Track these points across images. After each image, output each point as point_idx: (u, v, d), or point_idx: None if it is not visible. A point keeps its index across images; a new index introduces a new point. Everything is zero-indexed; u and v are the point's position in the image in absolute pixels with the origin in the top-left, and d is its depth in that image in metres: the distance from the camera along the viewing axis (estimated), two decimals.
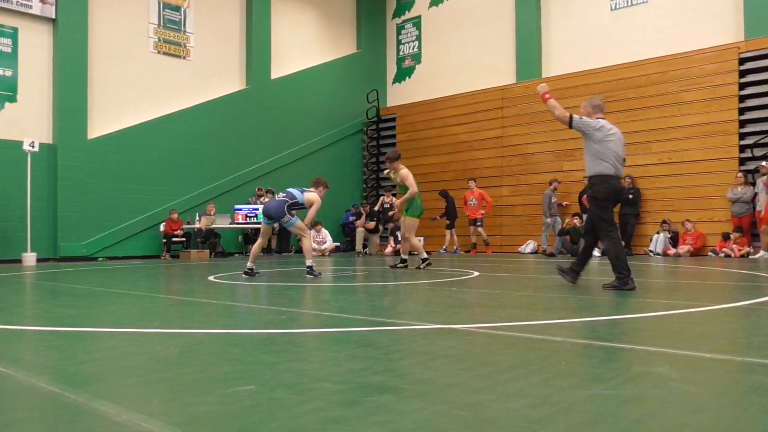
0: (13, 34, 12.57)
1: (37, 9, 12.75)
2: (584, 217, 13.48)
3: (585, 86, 14.62)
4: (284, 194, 7.83)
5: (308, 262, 7.68)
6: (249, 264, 7.94)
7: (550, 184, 14.16)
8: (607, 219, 5.66)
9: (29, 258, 11.89)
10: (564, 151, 14.93)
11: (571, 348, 2.92)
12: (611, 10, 14.69)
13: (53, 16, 12.94)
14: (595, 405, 1.96)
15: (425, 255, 9.33)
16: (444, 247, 15.64)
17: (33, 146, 11.98)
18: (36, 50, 12.89)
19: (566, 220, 13.63)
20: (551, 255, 13.40)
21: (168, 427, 1.76)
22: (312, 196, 7.85)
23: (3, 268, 10.51)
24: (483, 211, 14.76)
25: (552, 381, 2.26)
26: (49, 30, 13.10)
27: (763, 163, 11.75)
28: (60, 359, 2.84)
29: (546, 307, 4.64)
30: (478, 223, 14.82)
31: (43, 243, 12.65)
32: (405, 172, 9.10)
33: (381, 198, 16.54)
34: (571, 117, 5.67)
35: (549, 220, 13.80)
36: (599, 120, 5.75)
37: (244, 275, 7.81)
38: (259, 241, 8.14)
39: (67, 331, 3.65)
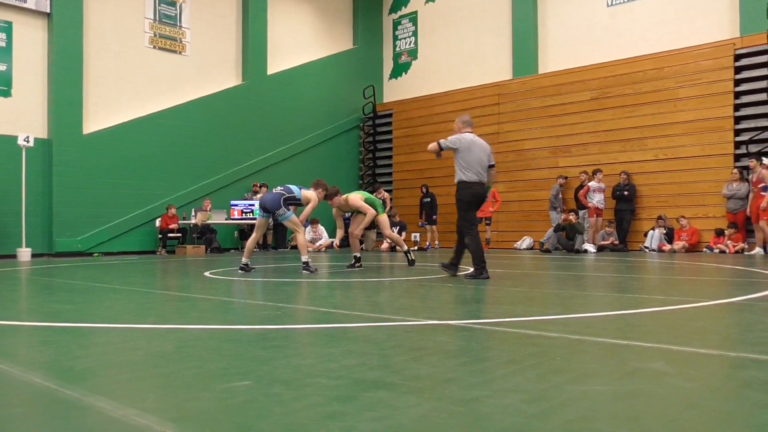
0: (8, 29, 12.51)
1: (31, 3, 12.69)
2: (580, 213, 13.52)
3: (581, 82, 14.64)
4: (282, 188, 7.83)
5: (303, 258, 7.66)
6: (244, 259, 7.91)
7: (557, 180, 14.33)
8: (469, 219, 6.54)
9: (24, 253, 11.85)
10: (560, 147, 14.95)
11: (567, 344, 2.93)
12: (608, 6, 14.69)
13: (48, 11, 12.88)
14: (591, 400, 1.97)
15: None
16: (428, 243, 15.64)
17: (28, 141, 11.93)
18: (31, 45, 12.83)
19: (562, 216, 13.66)
20: (547, 251, 13.43)
21: (164, 423, 1.76)
22: (309, 194, 7.84)
23: None
24: (492, 209, 14.72)
25: (547, 377, 2.27)
26: (44, 24, 13.04)
27: (753, 160, 11.81)
28: (55, 355, 2.84)
29: (542, 303, 4.65)
30: (487, 222, 14.80)
31: (38, 238, 12.62)
32: (354, 199, 8.52)
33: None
34: (438, 143, 6.66)
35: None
36: (464, 135, 6.60)
37: (239, 271, 7.78)
38: (253, 235, 8.08)
39: (62, 326, 3.64)
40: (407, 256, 8.97)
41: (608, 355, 2.67)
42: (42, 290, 6.17)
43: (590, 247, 12.97)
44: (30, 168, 12.32)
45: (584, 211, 13.60)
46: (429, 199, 15.81)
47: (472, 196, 6.43)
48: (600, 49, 14.68)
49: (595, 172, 13.62)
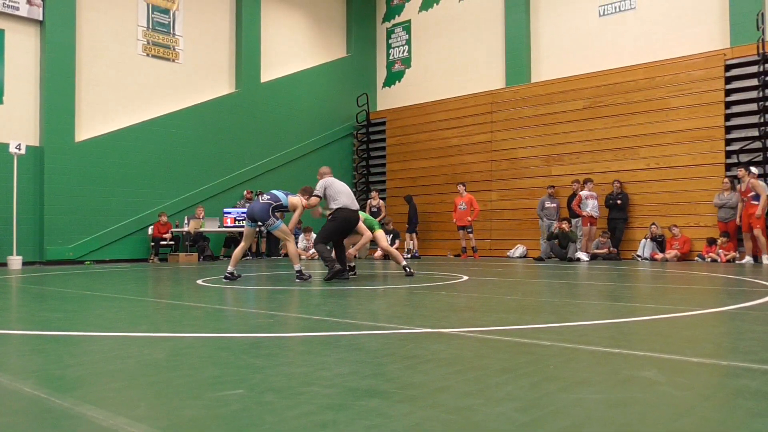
0: (0, 36, 12.47)
1: (24, 11, 12.66)
2: (573, 221, 13.55)
3: (574, 91, 14.72)
4: (268, 196, 7.72)
5: (296, 267, 7.60)
6: (230, 268, 7.79)
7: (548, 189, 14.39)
8: (327, 237, 7.67)
9: (15, 261, 11.77)
10: (553, 155, 15.01)
11: (560, 352, 2.93)
12: (600, 16, 14.81)
13: (41, 18, 12.86)
14: (583, 409, 1.97)
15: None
16: (413, 250, 15.63)
17: (19, 149, 11.88)
18: (23, 52, 12.80)
19: (554, 225, 13.69)
20: (540, 259, 13.46)
21: None
22: (295, 200, 7.78)
23: None
24: (470, 218, 14.76)
25: (540, 385, 2.27)
26: (37, 32, 13.01)
27: (741, 170, 11.90)
28: (45, 363, 2.81)
29: (535, 311, 4.66)
30: (469, 230, 14.83)
31: (29, 246, 12.54)
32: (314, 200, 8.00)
33: (368, 201, 16.55)
34: (317, 194, 7.74)
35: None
36: (326, 179, 7.78)
37: (224, 279, 7.68)
38: (242, 244, 7.94)
39: (52, 335, 3.62)
40: (405, 270, 8.42)
41: (601, 364, 2.67)
42: (33, 299, 6.13)
43: (583, 256, 13.01)
44: (21, 176, 12.26)
45: (577, 219, 13.64)
46: (411, 208, 16.02)
47: (345, 216, 7.56)
48: (592, 58, 14.78)
49: (586, 182, 13.67)
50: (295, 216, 7.92)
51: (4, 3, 12.37)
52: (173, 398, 2.19)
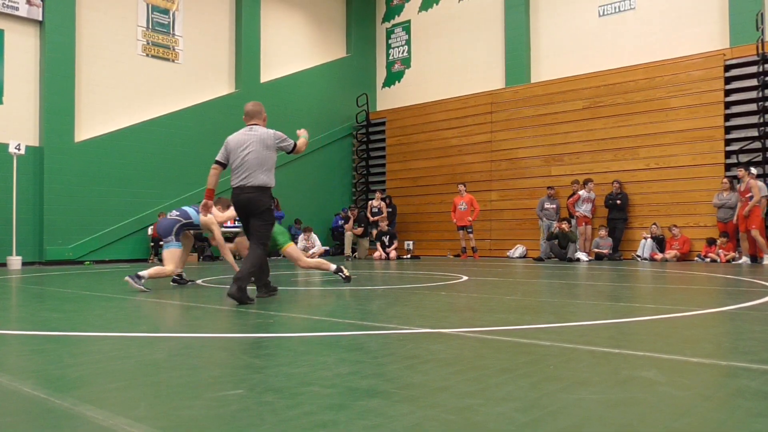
0: None
1: (23, 11, 12.65)
2: (572, 221, 13.56)
3: (573, 91, 14.72)
4: (178, 212, 7.21)
5: (144, 272, 6.56)
6: (144, 272, 6.67)
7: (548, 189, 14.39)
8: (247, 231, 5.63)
9: (14, 261, 11.77)
10: (553, 156, 15.01)
11: (560, 352, 2.93)
12: (599, 16, 14.81)
13: (40, 18, 12.85)
14: (583, 409, 1.97)
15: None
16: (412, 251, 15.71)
17: (19, 149, 11.88)
18: (22, 52, 12.79)
19: (554, 225, 13.69)
20: (540, 259, 13.46)
21: None
22: (206, 220, 7.21)
23: None
24: (470, 218, 14.78)
25: (540, 385, 2.27)
26: (36, 32, 13.01)
27: (741, 169, 11.90)
28: (45, 363, 2.81)
29: (534, 311, 4.66)
30: (469, 230, 14.84)
31: (29, 246, 12.53)
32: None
33: (370, 202, 16.55)
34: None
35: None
36: (230, 137, 5.99)
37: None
38: (179, 250, 7.15)
39: (52, 335, 3.62)
40: (340, 275, 7.39)
41: (601, 364, 2.67)
42: (32, 299, 6.13)
43: (582, 256, 13.01)
44: (21, 176, 12.26)
45: (576, 219, 13.65)
46: (391, 210, 16.10)
47: (236, 206, 5.53)
48: (592, 58, 14.79)
49: (586, 182, 13.68)
50: (217, 234, 7.32)
51: (3, 3, 12.37)
52: (173, 398, 2.19)
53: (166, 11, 14.93)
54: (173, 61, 15.05)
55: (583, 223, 13.57)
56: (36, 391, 2.25)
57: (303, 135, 6.10)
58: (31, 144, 12.68)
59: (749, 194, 11.58)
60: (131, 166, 14.03)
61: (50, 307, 5.17)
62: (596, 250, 13.37)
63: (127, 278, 6.42)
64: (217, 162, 5.64)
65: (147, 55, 14.57)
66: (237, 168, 5.46)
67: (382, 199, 16.61)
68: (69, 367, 2.73)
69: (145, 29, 14.56)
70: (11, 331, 3.78)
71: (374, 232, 15.74)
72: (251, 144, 5.45)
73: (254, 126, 5.59)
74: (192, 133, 15.02)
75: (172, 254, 6.96)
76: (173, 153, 14.72)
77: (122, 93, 14.14)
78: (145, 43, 14.55)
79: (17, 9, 12.57)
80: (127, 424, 1.83)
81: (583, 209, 13.55)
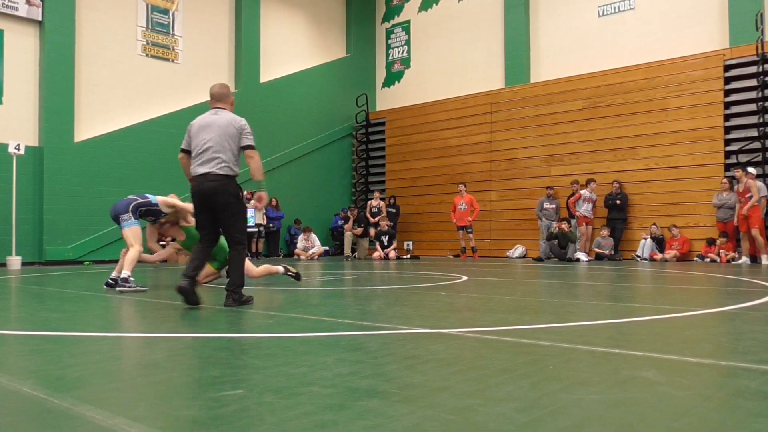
0: None
1: (23, 11, 12.65)
2: (572, 221, 13.56)
3: (573, 91, 14.73)
4: (134, 195, 6.79)
5: (124, 273, 6.29)
6: (123, 272, 6.34)
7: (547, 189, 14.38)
8: (198, 228, 5.13)
9: (14, 261, 11.76)
10: (552, 156, 15.01)
11: (559, 352, 2.93)
12: (599, 16, 14.81)
13: (40, 18, 12.84)
14: (583, 409, 1.97)
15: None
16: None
17: (18, 149, 11.87)
18: (22, 52, 12.79)
19: (554, 225, 13.69)
20: (539, 259, 13.47)
21: None
22: (165, 199, 6.83)
23: None
24: (470, 218, 14.78)
25: (540, 385, 2.27)
26: (36, 32, 13.00)
27: (739, 170, 11.90)
28: (45, 364, 2.81)
29: (534, 311, 4.66)
30: (469, 230, 14.85)
31: (29, 246, 12.53)
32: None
33: (369, 202, 16.56)
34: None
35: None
36: (194, 121, 5.20)
37: (104, 286, 6.66)
38: (136, 247, 6.59)
39: (52, 335, 3.61)
40: (289, 274, 7.24)
41: (600, 364, 2.67)
42: (32, 299, 6.12)
43: (582, 256, 13.01)
44: (21, 176, 12.25)
45: (576, 219, 13.65)
46: (394, 210, 16.16)
47: (197, 197, 4.90)
48: (591, 58, 14.79)
49: (588, 182, 13.68)
50: (184, 211, 6.73)
51: (3, 3, 12.36)
52: (172, 398, 2.19)
53: (165, 11, 14.93)
54: (173, 61, 15.04)
55: (584, 223, 13.57)
56: (35, 391, 2.25)
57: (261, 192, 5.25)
58: (30, 144, 12.67)
59: (748, 194, 11.59)
60: (131, 166, 14.02)
61: (50, 307, 5.17)
62: (597, 249, 13.36)
63: (118, 289, 6.11)
64: (183, 150, 5.08)
65: (147, 55, 14.56)
66: (199, 154, 4.88)
67: (381, 199, 16.62)
68: (68, 367, 2.73)
69: (144, 29, 14.55)
70: (11, 331, 3.78)
71: (373, 231, 15.76)
72: (215, 128, 4.90)
73: (219, 110, 5.06)
74: None
75: (134, 232, 6.46)
76: (173, 153, 14.54)
77: (122, 93, 14.13)
78: (145, 43, 14.55)
79: (17, 9, 12.56)
80: (127, 424, 1.83)
81: (584, 209, 13.55)
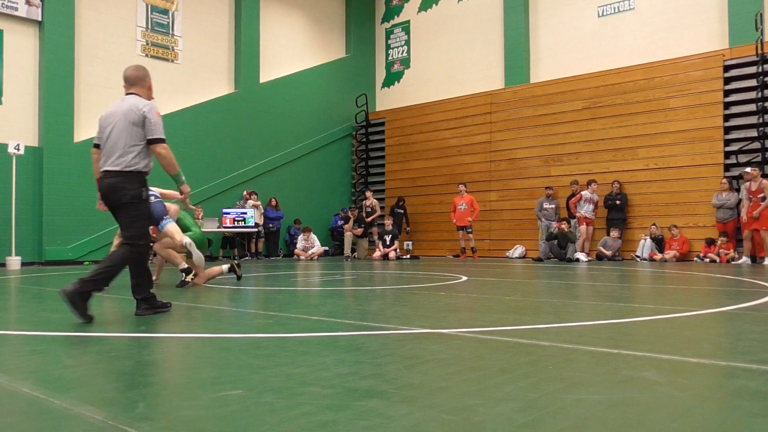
0: None
1: (23, 11, 12.64)
2: (572, 221, 13.56)
3: (573, 92, 14.73)
4: (152, 194, 6.65)
5: (182, 266, 6.62)
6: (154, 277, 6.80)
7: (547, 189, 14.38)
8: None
9: (14, 262, 11.75)
10: (552, 156, 15.01)
11: (559, 353, 2.93)
12: (599, 16, 14.81)
13: (39, 19, 12.84)
14: (583, 409, 1.97)
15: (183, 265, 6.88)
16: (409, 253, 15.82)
17: (18, 149, 11.87)
18: (22, 52, 12.79)
19: (554, 225, 13.69)
20: (539, 260, 13.47)
21: None
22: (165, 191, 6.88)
23: None
24: (470, 218, 14.79)
25: (540, 385, 2.27)
26: (35, 32, 12.99)
27: (747, 169, 11.87)
28: (44, 364, 2.81)
29: (534, 311, 4.66)
30: (469, 230, 14.86)
31: (28, 247, 12.52)
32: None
33: (363, 202, 16.56)
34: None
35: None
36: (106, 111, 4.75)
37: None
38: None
39: (51, 335, 3.61)
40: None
41: (600, 364, 2.67)
42: (32, 299, 6.12)
43: (582, 256, 13.01)
44: (20, 176, 12.25)
45: (576, 219, 13.65)
46: (402, 211, 16.18)
47: (101, 195, 4.53)
48: (591, 59, 14.79)
49: (589, 183, 13.66)
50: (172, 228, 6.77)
51: (3, 3, 12.35)
52: (172, 398, 2.19)
53: (165, 11, 14.93)
54: (173, 61, 15.04)
55: (584, 224, 13.56)
56: (35, 391, 2.25)
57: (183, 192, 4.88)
58: (30, 144, 12.67)
59: (761, 194, 11.46)
60: None
61: (49, 308, 5.17)
62: (602, 249, 13.26)
63: (189, 283, 6.40)
64: (94, 145, 4.63)
65: (146, 55, 14.56)
66: (103, 147, 4.41)
67: (378, 199, 16.63)
68: (68, 367, 2.73)
69: (144, 29, 14.55)
70: (11, 332, 3.78)
71: (375, 230, 15.77)
72: (116, 116, 4.37)
73: (129, 96, 4.50)
74: (191, 133, 15.02)
75: (175, 227, 6.67)
76: (173, 152, 14.70)
77: (121, 93, 14.05)
78: (145, 43, 14.55)
79: (16, 9, 12.56)
80: (127, 424, 1.83)
81: (585, 210, 13.53)
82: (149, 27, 14.63)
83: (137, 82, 4.57)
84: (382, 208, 17.83)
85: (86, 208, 13.29)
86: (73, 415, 1.96)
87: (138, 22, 14.47)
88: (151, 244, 6.91)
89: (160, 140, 4.36)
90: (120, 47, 14.13)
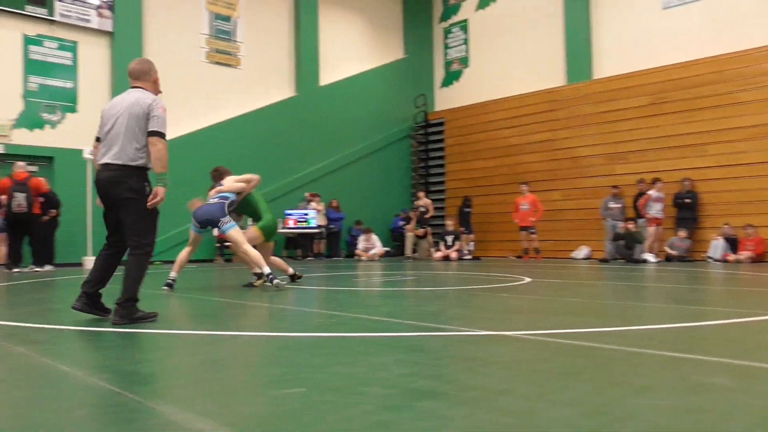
0: (73, 48, 13.09)
1: (95, 23, 13.25)
2: (639, 221, 13.13)
3: (637, 87, 14.28)
4: (218, 198, 6.77)
5: (266, 269, 6.45)
6: (172, 274, 6.86)
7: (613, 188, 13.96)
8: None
9: (89, 261, 12.31)
10: (616, 154, 14.59)
11: (626, 357, 2.85)
12: (663, 8, 14.30)
13: (110, 29, 13.42)
14: (651, 415, 1.91)
15: (265, 270, 6.58)
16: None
17: (93, 155, 12.44)
18: (95, 62, 13.38)
19: (620, 225, 13.29)
20: (605, 261, 13.10)
21: (220, 427, 1.80)
22: (234, 184, 6.94)
23: (66, 271, 10.92)
24: (533, 219, 14.54)
25: (605, 390, 2.21)
26: (107, 43, 13.59)
27: None
28: (118, 359, 2.93)
29: (599, 314, 4.54)
30: (532, 231, 14.62)
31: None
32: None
33: (415, 202, 16.50)
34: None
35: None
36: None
37: (164, 287, 6.71)
38: (188, 249, 7.14)
39: (125, 332, 3.77)
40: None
41: (669, 369, 2.58)
42: (105, 297, 6.38)
43: (650, 257, 12.58)
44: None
45: (644, 219, 13.20)
46: (470, 210, 15.98)
47: (97, 189, 4.36)
48: (656, 52, 14.29)
49: (654, 181, 13.20)
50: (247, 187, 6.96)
51: (77, 16, 13.00)
52: (237, 395, 2.24)
53: (227, 18, 15.33)
54: (235, 67, 15.43)
55: (655, 224, 13.07)
56: (110, 385, 2.35)
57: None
58: None
59: None
60: (196, 169, 14.42)
61: None
62: (669, 250, 12.81)
63: (275, 283, 6.29)
64: (96, 138, 4.48)
65: (210, 61, 15.00)
66: (104, 140, 4.26)
67: (439, 199, 16.54)
68: (139, 363, 2.84)
69: (208, 36, 14.99)
70: (87, 328, 3.96)
71: (426, 230, 15.72)
72: (120, 109, 4.21)
73: (134, 89, 4.36)
74: (253, 136, 15.35)
75: (238, 232, 6.57)
76: (236, 156, 15.04)
77: (187, 99, 14.59)
78: (208, 50, 14.98)
79: (89, 21, 13.18)
80: (195, 418, 1.89)
81: (655, 210, 13.04)
82: (213, 34, 15.06)
83: (141, 75, 4.45)
84: (442, 208, 17.75)
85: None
86: (144, 408, 2.03)
87: (202, 29, 14.91)
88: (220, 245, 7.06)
89: (160, 134, 4.15)
90: (185, 55, 14.60)
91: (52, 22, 12.83)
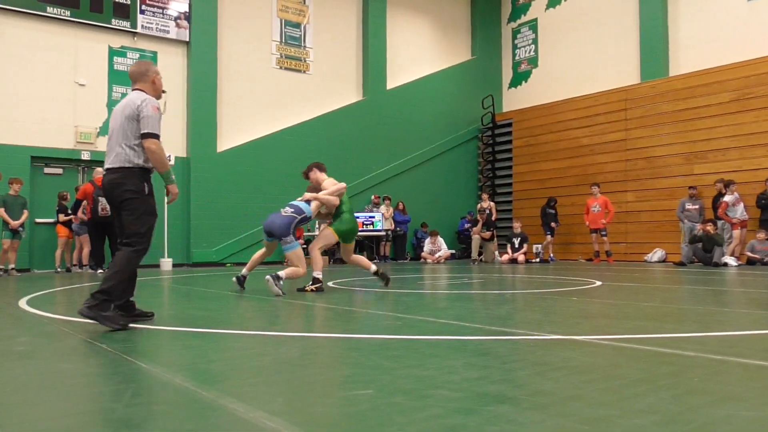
0: (153, 58, 13.68)
1: (173, 33, 13.83)
2: (718, 223, 12.53)
3: (719, 83, 13.64)
4: (291, 209, 6.73)
5: (282, 273, 6.46)
6: (244, 271, 7.14)
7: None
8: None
9: (166, 263, 12.85)
10: (695, 153, 13.99)
11: (706, 364, 2.72)
12: (748, 0, 13.61)
13: (187, 39, 13.96)
14: (733, 426, 1.81)
15: (318, 274, 6.83)
16: (551, 255, 15.28)
17: (170, 160, 12.95)
18: (172, 71, 13.94)
19: (697, 227, 12.72)
20: (681, 264, 12.57)
21: (291, 427, 1.83)
22: (328, 197, 6.87)
23: (144, 272, 11.41)
24: (604, 221, 14.14)
25: (683, 398, 2.12)
26: (184, 52, 14.14)
27: None
28: (193, 358, 3.04)
29: (676, 319, 4.36)
30: (603, 233, 14.22)
31: (178, 249, 13.61)
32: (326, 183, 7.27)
33: (479, 204, 16.30)
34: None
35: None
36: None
37: (234, 279, 7.08)
38: (263, 251, 7.18)
39: (199, 331, 3.90)
40: (381, 277, 7.30)
41: (754, 378, 2.45)
42: (182, 297, 6.64)
43: (731, 261, 11.97)
44: None
45: (724, 222, 12.57)
46: (554, 212, 15.51)
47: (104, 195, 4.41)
48: (739, 46, 13.61)
49: (728, 184, 12.53)
50: (330, 199, 6.92)
51: (157, 27, 13.60)
52: (307, 395, 2.28)
53: (297, 25, 15.65)
54: (304, 72, 15.73)
55: (740, 227, 12.43)
56: (185, 383, 2.44)
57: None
58: (180, 155, 13.78)
59: None
60: (266, 173, 14.81)
61: (197, 306, 5.58)
62: (749, 254, 12.19)
63: (267, 277, 6.25)
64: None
65: (280, 67, 15.34)
66: (107, 146, 4.31)
67: (506, 201, 16.29)
68: (213, 361, 2.92)
69: (278, 43, 15.34)
70: (165, 327, 4.12)
71: (492, 233, 15.50)
72: (115, 113, 4.26)
73: (133, 92, 4.34)
74: (322, 140, 15.60)
75: (298, 255, 6.61)
76: (305, 160, 15.18)
77: (258, 104, 14.99)
78: (279, 56, 15.33)
79: (168, 32, 13.77)
80: (266, 417, 1.93)
81: (740, 213, 12.40)
82: (283, 41, 15.40)
83: (139, 77, 4.40)
84: (509, 210, 17.51)
85: (228, 212, 14.25)
86: (217, 406, 2.10)
87: (273, 36, 15.28)
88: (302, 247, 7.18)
89: (152, 135, 4.15)
90: (257, 62, 15.01)
91: (135, 34, 13.47)
